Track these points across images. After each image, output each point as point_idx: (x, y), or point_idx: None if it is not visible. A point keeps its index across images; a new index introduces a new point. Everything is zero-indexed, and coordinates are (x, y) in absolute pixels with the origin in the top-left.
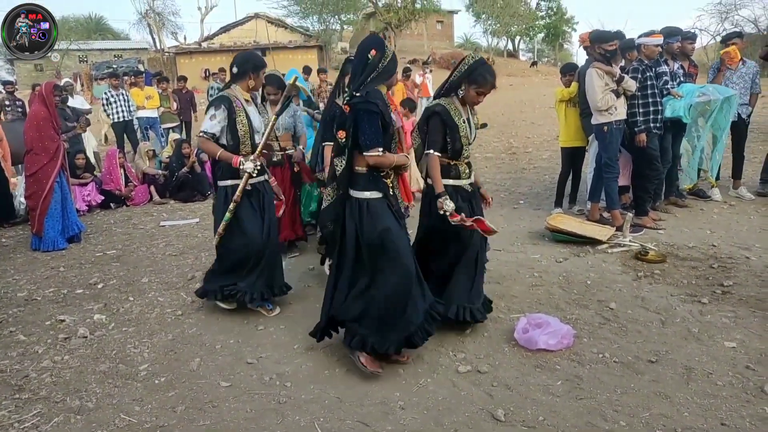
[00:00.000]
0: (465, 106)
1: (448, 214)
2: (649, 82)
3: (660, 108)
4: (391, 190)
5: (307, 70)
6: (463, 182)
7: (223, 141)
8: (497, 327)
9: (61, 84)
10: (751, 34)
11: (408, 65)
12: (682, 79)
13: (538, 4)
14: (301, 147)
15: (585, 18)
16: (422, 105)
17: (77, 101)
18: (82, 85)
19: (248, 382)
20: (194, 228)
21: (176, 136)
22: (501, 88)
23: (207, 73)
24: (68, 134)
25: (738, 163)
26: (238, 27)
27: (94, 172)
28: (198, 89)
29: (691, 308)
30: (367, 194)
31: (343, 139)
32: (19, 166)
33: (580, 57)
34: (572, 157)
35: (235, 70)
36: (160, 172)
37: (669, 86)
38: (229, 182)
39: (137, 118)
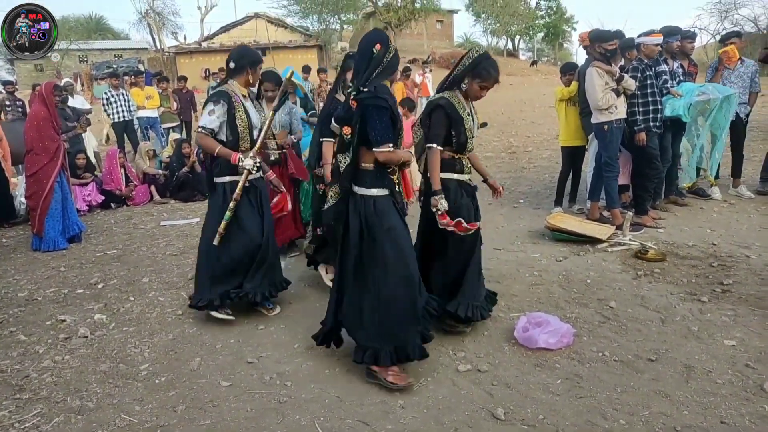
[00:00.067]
0: (467, 100)
1: (439, 213)
2: (648, 81)
3: (660, 107)
4: (396, 186)
5: (306, 70)
6: (466, 177)
7: (222, 137)
8: (497, 326)
9: (62, 84)
10: (751, 33)
11: (408, 65)
12: (681, 78)
13: (537, 3)
14: (292, 136)
15: (585, 17)
16: (422, 104)
17: (77, 101)
18: (83, 85)
19: (248, 381)
20: (195, 228)
21: (176, 135)
22: (501, 88)
23: (207, 73)
24: (68, 134)
25: (737, 161)
26: (238, 27)
27: (95, 172)
28: (198, 89)
29: (691, 307)
30: (374, 191)
31: (349, 135)
32: (20, 166)
33: (579, 56)
34: (572, 156)
35: (232, 65)
36: (160, 171)
37: (668, 85)
38: (227, 179)
39: (137, 118)
